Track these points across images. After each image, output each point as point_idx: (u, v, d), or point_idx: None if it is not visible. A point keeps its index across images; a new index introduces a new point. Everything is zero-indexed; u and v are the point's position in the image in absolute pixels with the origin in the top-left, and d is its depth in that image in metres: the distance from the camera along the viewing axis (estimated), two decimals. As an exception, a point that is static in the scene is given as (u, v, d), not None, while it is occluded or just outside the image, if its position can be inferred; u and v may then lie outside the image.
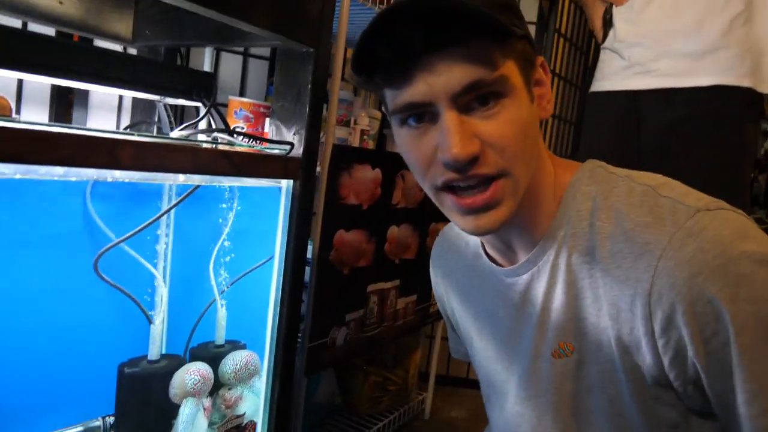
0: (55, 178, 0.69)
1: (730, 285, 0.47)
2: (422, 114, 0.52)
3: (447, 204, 0.55)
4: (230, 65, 1.50)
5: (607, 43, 1.37)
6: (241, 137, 0.95)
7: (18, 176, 0.64)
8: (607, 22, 1.37)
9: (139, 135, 0.76)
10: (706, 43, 1.19)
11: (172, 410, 1.00)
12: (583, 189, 0.57)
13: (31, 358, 0.92)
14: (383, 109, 0.61)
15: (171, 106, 1.23)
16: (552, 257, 0.57)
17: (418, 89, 0.50)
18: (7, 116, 0.68)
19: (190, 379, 0.94)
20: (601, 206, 0.55)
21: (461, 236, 0.73)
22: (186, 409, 0.93)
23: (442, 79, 0.49)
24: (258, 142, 0.97)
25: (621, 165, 0.60)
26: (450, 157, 0.50)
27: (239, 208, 1.17)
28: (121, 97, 1.29)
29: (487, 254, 0.67)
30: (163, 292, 1.05)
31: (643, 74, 1.26)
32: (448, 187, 0.53)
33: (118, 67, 0.96)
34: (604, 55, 1.39)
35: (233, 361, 1.02)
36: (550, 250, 0.58)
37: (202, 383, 0.94)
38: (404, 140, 0.55)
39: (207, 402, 0.95)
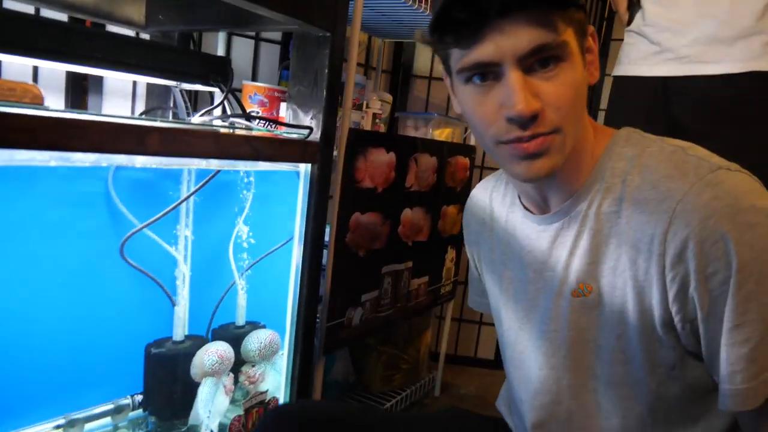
0: (86, 165, 0.70)
1: (737, 229, 0.52)
2: (487, 73, 0.57)
3: (505, 154, 0.60)
4: (242, 50, 1.50)
5: (633, 26, 1.33)
6: (262, 122, 0.96)
7: (53, 163, 0.66)
8: (634, 4, 1.33)
9: (163, 121, 0.77)
10: (740, 28, 1.16)
11: (197, 388, 1.04)
12: (618, 150, 0.62)
13: (63, 340, 0.95)
14: (443, 69, 0.65)
15: (185, 91, 1.24)
16: (584, 208, 0.63)
17: (487, 49, 0.54)
18: (39, 104, 0.69)
19: (209, 360, 0.97)
20: (635, 164, 0.60)
21: (498, 188, 0.79)
22: (205, 389, 0.96)
23: (511, 41, 0.53)
24: (276, 126, 0.98)
25: None
26: (515, 113, 0.55)
27: (257, 192, 1.19)
28: (135, 83, 1.30)
29: (522, 206, 0.72)
30: (185, 274, 1.07)
31: (674, 60, 1.23)
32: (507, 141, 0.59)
33: (134, 52, 0.97)
34: (630, 38, 1.35)
35: (257, 340, 1.05)
36: (582, 202, 0.63)
37: (220, 363, 0.97)
38: (468, 97, 0.60)
39: (228, 380, 0.98)
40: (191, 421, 0.95)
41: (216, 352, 0.96)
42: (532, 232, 0.70)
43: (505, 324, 0.76)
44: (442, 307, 1.93)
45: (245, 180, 1.16)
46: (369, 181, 1.24)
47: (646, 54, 1.29)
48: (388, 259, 1.35)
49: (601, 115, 2.45)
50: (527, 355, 0.71)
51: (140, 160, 0.78)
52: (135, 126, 0.71)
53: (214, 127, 0.86)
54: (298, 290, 1.06)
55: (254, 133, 0.94)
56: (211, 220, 1.17)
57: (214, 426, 0.97)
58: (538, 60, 0.55)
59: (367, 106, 1.42)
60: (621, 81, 1.37)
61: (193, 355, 1.00)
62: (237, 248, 1.17)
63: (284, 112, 1.16)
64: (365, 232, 1.25)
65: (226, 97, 1.03)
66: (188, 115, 1.16)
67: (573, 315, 0.64)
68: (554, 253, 0.67)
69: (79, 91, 1.23)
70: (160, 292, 1.05)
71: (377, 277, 1.33)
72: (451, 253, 1.68)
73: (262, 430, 0.75)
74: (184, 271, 1.07)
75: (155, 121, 0.76)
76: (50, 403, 0.95)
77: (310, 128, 0.98)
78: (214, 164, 0.98)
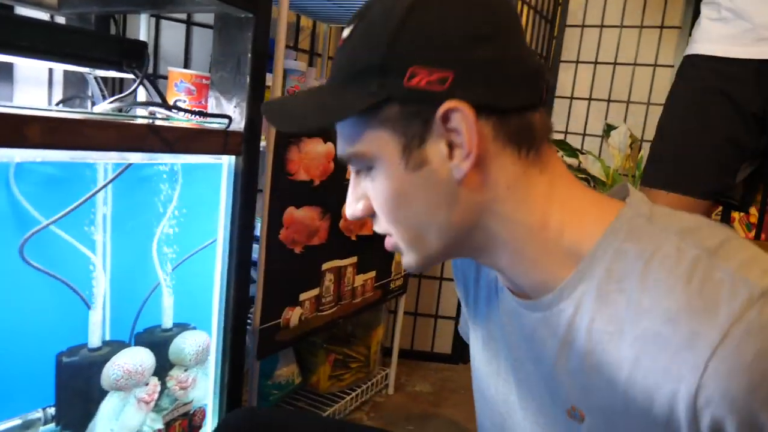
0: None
1: None
2: None
3: None
4: (173, 35, 1.41)
5: None
6: (174, 111, 0.89)
7: None
8: None
9: (52, 110, 0.69)
10: None
11: (113, 400, 0.96)
12: (617, 246, 0.48)
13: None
14: None
15: (108, 79, 1.15)
16: (569, 313, 0.50)
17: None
18: None
19: (113, 373, 0.90)
20: (640, 271, 0.46)
21: None
22: (108, 404, 0.88)
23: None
24: (193, 116, 0.91)
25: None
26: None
27: (184, 187, 1.12)
28: (51, 70, 1.20)
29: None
30: (100, 276, 0.99)
31: None
32: None
33: (40, 36, 0.88)
34: (711, 12, 1.13)
35: (195, 343, 0.98)
36: (566, 302, 0.50)
37: (127, 378, 0.89)
38: None
39: (146, 390, 0.90)
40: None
41: (122, 366, 0.89)
42: (516, 314, 0.58)
43: (491, 389, 0.65)
44: (396, 301, 1.89)
45: (165, 175, 1.09)
46: (304, 173, 1.17)
47: (735, 32, 1.09)
48: (329, 255, 1.29)
49: (601, 105, 2.44)
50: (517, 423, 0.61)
51: (24, 154, 0.70)
52: (11, 115, 0.64)
53: (117, 116, 0.78)
54: (224, 291, 1.00)
55: (174, 123, 0.86)
56: (132, 217, 1.09)
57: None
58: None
59: (307, 95, 1.35)
60: (694, 61, 1.16)
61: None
62: (162, 246, 1.10)
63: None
64: (301, 227, 1.18)
65: (140, 83, 0.95)
66: (105, 104, 1.07)
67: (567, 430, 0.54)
68: (541, 351, 0.55)
69: (-15, 78, 1.13)
70: (75, 296, 0.97)
71: (317, 275, 1.27)
72: (401, 247, 1.63)
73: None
74: (99, 271, 0.99)
75: (44, 110, 0.68)
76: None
77: (229, 117, 0.91)
78: (129, 158, 0.90)
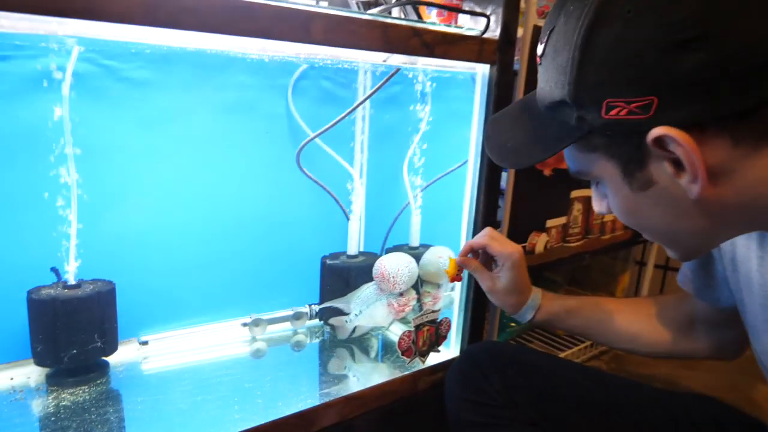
0: (253, 53, 0.69)
1: None
2: None
3: None
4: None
5: None
6: (436, 11, 0.88)
7: (215, 49, 0.65)
8: None
9: (330, 8, 0.73)
10: None
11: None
12: None
13: (242, 247, 1.00)
14: None
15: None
16: None
17: None
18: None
19: (374, 270, 0.94)
20: None
21: None
22: (366, 290, 0.94)
23: None
24: (447, 17, 0.89)
25: None
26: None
27: (435, 103, 1.12)
28: None
29: None
30: (358, 189, 1.05)
31: None
32: None
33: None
34: None
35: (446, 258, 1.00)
36: None
37: (381, 281, 0.93)
38: None
39: (394, 300, 0.94)
40: (337, 303, 0.95)
41: (379, 268, 0.93)
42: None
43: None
44: (643, 249, 1.69)
45: (421, 86, 1.10)
46: (558, 90, 1.08)
47: None
48: (578, 181, 1.19)
49: None
50: None
51: (307, 50, 0.75)
52: (300, 11, 0.68)
53: (382, 18, 0.79)
54: (473, 214, 0.98)
55: (428, 27, 0.85)
56: (387, 135, 1.13)
57: (365, 325, 0.96)
58: None
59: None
60: None
61: (365, 269, 0.99)
62: (414, 165, 1.12)
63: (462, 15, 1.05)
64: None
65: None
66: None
67: None
68: None
69: None
70: (335, 205, 1.05)
71: (565, 202, 1.18)
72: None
73: (453, 370, 0.79)
74: (358, 185, 1.05)
75: (323, 8, 0.72)
76: (240, 304, 1.02)
77: (487, 16, 0.86)
78: (393, 60, 0.92)
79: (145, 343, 0.91)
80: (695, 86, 0.38)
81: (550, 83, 0.46)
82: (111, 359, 0.85)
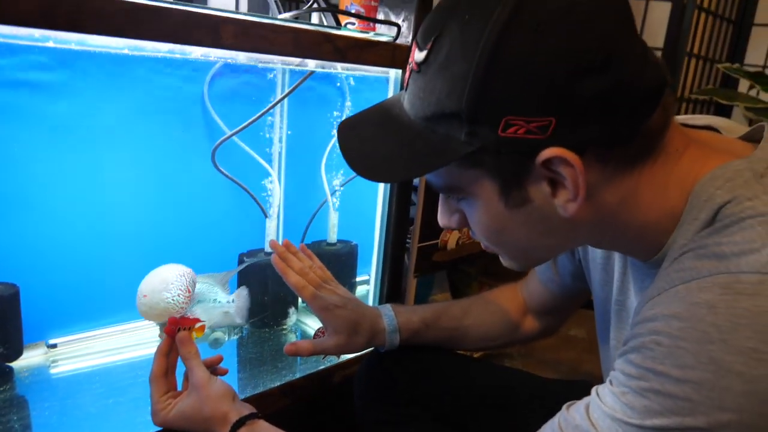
0: (160, 55, 0.69)
1: None
2: None
3: None
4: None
5: None
6: (351, 24, 0.90)
7: (126, 52, 0.65)
8: None
9: (241, 14, 0.74)
10: None
11: (288, 296, 1.05)
12: (710, 191, 0.43)
13: (156, 246, 0.99)
14: None
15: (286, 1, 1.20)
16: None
17: None
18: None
19: None
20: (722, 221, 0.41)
21: None
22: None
23: None
24: (364, 22, 0.92)
25: None
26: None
27: (351, 103, 1.15)
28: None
29: None
30: (276, 188, 1.07)
31: None
32: None
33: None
34: None
35: None
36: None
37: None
38: None
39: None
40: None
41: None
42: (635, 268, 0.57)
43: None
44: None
45: (335, 90, 1.12)
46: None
47: None
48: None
49: None
50: None
51: (215, 53, 0.75)
52: (210, 15, 0.69)
53: (295, 23, 0.81)
54: (386, 208, 1.02)
55: (346, 33, 0.88)
56: (304, 135, 1.15)
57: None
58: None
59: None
60: None
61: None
62: (330, 165, 1.15)
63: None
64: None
65: (314, 2, 0.98)
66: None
67: None
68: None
69: None
70: (253, 204, 1.05)
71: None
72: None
73: (360, 370, 0.80)
74: (276, 184, 1.06)
75: (234, 13, 0.73)
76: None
77: (398, 25, 0.90)
78: (308, 64, 0.93)
79: (53, 346, 0.89)
80: (592, 110, 0.39)
81: (436, 94, 0.42)
82: (16, 364, 0.83)
